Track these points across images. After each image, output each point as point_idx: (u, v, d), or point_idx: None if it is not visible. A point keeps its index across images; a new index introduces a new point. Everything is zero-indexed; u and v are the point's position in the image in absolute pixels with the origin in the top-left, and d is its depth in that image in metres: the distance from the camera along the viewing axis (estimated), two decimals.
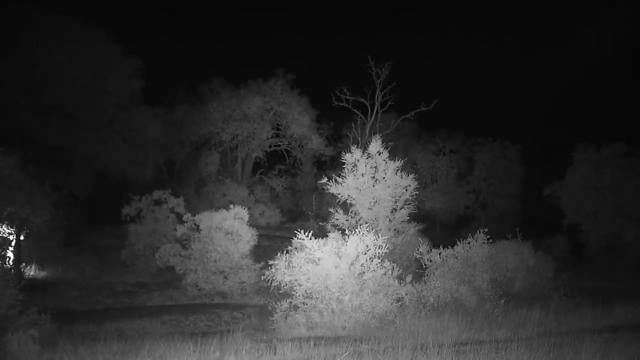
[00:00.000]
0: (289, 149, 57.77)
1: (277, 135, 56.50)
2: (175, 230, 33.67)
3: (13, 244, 33.07)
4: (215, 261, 32.12)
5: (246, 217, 33.11)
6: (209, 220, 32.68)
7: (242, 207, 33.45)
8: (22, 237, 33.56)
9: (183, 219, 33.49)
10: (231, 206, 33.27)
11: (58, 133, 39.45)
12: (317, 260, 24.12)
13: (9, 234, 31.79)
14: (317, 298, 23.96)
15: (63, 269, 35.04)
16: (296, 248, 24.76)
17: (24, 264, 33.98)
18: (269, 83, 53.78)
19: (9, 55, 38.66)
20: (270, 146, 56.31)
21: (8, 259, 32.39)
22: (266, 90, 53.64)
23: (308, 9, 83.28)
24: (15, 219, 29.92)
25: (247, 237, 32.72)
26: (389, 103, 53.45)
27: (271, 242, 41.25)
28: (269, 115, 54.17)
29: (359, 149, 31.64)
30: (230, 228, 32.57)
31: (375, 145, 31.44)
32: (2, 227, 30.13)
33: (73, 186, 39.69)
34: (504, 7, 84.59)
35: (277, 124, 55.79)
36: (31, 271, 34.26)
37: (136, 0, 48.50)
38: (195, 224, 33.10)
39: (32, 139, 39.24)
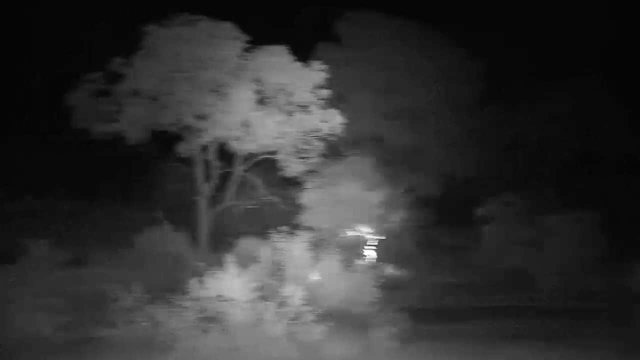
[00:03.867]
0: (599, 149, 53.82)
1: (587, 135, 52.94)
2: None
3: (372, 243, 35.00)
4: None
5: None
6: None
7: None
8: (380, 237, 35.36)
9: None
10: None
11: (409, 136, 40.74)
12: None
13: (368, 233, 33.68)
14: None
15: (416, 268, 36.24)
16: None
17: (381, 262, 35.69)
18: (579, 81, 50.64)
19: (360, 61, 40.62)
20: (579, 147, 52.91)
21: (367, 257, 34.43)
22: (574, 90, 50.63)
23: None
24: (373, 219, 31.56)
25: None
26: None
27: None
28: (578, 115, 51.05)
29: None
30: None
31: None
32: (362, 227, 32.01)
33: (425, 187, 40.87)
34: None
35: (587, 124, 52.33)
36: (388, 270, 35.87)
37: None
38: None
39: (385, 141, 41.08)
